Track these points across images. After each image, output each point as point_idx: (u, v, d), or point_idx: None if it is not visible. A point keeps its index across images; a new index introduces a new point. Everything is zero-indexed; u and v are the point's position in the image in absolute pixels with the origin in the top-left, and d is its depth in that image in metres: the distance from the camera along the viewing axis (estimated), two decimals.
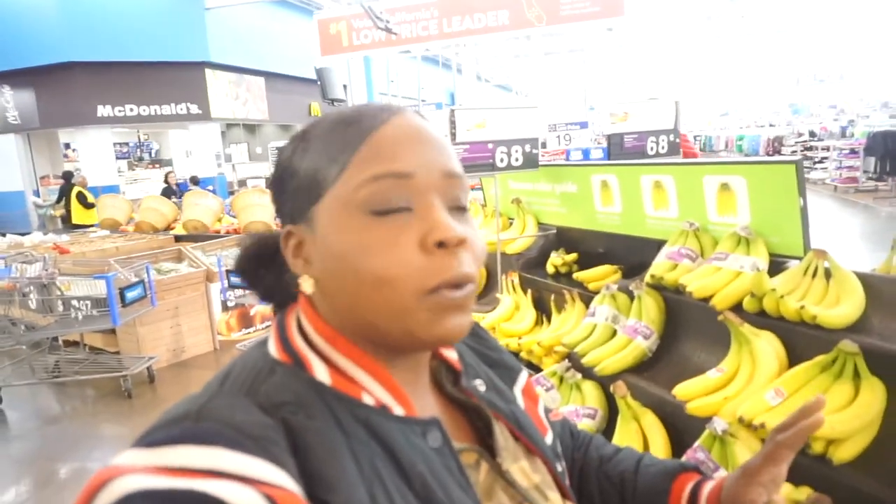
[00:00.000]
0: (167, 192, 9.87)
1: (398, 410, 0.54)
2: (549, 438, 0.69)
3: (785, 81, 24.98)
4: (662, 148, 2.59)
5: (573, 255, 2.34)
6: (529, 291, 2.37)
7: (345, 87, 11.28)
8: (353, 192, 0.52)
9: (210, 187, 10.31)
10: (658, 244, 1.93)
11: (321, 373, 0.54)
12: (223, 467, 0.41)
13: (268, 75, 14.29)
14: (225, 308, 5.52)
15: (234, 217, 6.99)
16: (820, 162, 14.17)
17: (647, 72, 25.50)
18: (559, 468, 0.68)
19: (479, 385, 0.66)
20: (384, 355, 0.56)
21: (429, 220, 0.52)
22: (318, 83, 10.21)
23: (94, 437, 3.98)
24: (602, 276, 2.13)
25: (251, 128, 18.96)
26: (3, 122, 12.18)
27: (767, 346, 1.42)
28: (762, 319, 1.49)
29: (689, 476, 0.76)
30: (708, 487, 0.73)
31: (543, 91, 25.58)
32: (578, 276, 2.17)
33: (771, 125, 18.62)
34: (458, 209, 0.56)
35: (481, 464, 0.60)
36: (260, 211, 6.46)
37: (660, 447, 1.49)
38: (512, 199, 2.71)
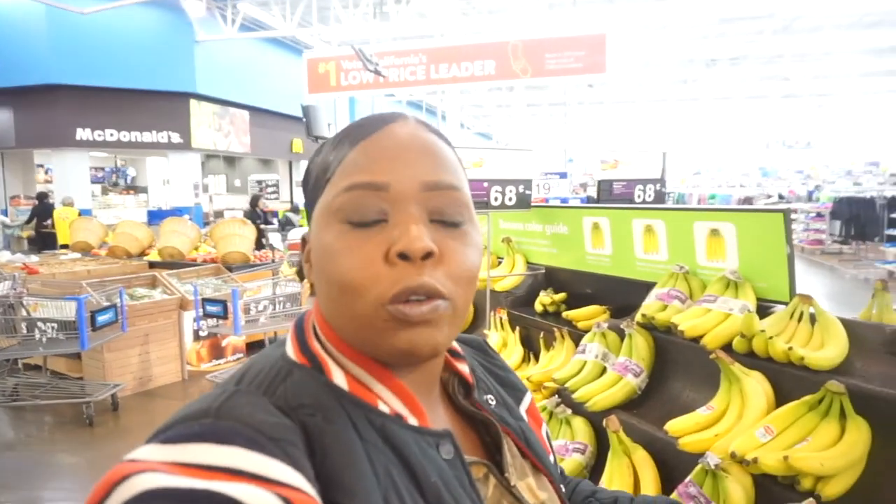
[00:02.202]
0: (252, 217, 9.09)
1: (412, 421, 0.54)
2: (552, 458, 0.71)
3: (755, 145, 26.06)
4: (649, 196, 2.70)
5: (562, 295, 2.38)
6: (517, 329, 2.39)
7: (329, 125, 11.42)
8: (332, 200, 0.53)
9: (186, 216, 10.22)
10: (647, 286, 1.98)
11: (338, 377, 0.54)
12: (241, 467, 0.41)
13: (253, 109, 14.40)
14: (196, 338, 5.41)
15: (212, 247, 6.92)
16: None
17: (624, 128, 26.41)
18: (563, 489, 0.68)
19: (490, 400, 0.67)
20: (389, 365, 0.55)
21: (397, 232, 0.51)
22: (304, 120, 10.33)
23: (49, 465, 3.80)
24: (591, 315, 2.17)
25: (231, 160, 18.95)
26: None
27: (756, 385, 1.46)
28: (750, 360, 1.54)
29: None
30: None
31: (524, 141, 26.20)
32: (568, 314, 2.20)
33: (741, 186, 19.29)
34: (446, 222, 0.54)
35: (489, 478, 0.60)
36: (239, 241, 6.42)
37: (650, 482, 1.50)
38: (502, 239, 2.76)
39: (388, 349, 0.52)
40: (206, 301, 4.72)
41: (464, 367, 0.67)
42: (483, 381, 0.69)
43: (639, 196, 2.69)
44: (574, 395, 1.80)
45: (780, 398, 1.47)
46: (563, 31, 9.51)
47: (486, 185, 2.31)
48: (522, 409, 0.72)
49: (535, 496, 0.62)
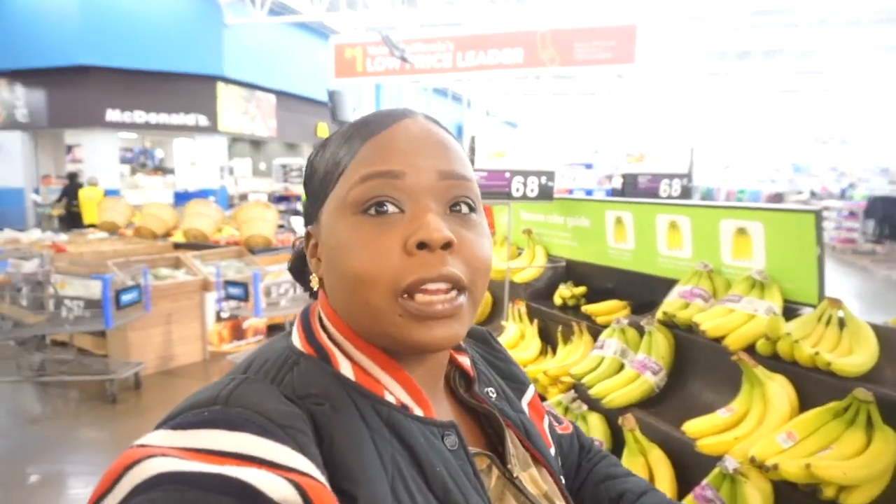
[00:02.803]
0: None
1: (418, 412, 0.55)
2: (552, 451, 0.71)
3: (787, 140, 25.46)
4: (675, 191, 2.65)
5: (582, 288, 2.35)
6: (536, 321, 2.37)
7: (354, 110, 11.42)
8: (346, 193, 0.53)
9: (211, 198, 10.33)
10: (668, 283, 1.94)
11: (345, 367, 0.54)
12: (252, 453, 0.41)
13: (279, 93, 14.46)
14: (218, 319, 5.48)
15: (235, 229, 6.99)
16: None
17: (653, 120, 25.99)
18: (563, 481, 0.69)
19: (490, 392, 0.67)
20: (397, 357, 0.56)
21: (416, 222, 0.51)
22: (330, 105, 10.33)
23: (72, 439, 3.88)
24: (611, 310, 2.13)
25: (257, 143, 19.08)
26: (10, 118, 12.21)
27: (780, 389, 1.42)
28: (774, 363, 1.50)
29: None
30: None
31: (551, 131, 25.96)
32: (587, 308, 2.17)
33: (772, 181, 18.88)
34: (460, 212, 0.55)
35: (493, 469, 0.61)
36: (262, 224, 6.47)
37: (666, 482, 1.48)
38: (523, 230, 2.73)
39: (406, 341, 0.52)
40: (228, 283, 4.77)
41: (465, 360, 0.68)
42: (484, 374, 0.69)
43: (664, 191, 2.64)
44: (591, 392, 1.77)
45: (804, 404, 1.43)
46: (593, 21, 9.36)
47: (507, 175, 2.28)
48: (525, 401, 0.72)
49: (538, 486, 0.63)
